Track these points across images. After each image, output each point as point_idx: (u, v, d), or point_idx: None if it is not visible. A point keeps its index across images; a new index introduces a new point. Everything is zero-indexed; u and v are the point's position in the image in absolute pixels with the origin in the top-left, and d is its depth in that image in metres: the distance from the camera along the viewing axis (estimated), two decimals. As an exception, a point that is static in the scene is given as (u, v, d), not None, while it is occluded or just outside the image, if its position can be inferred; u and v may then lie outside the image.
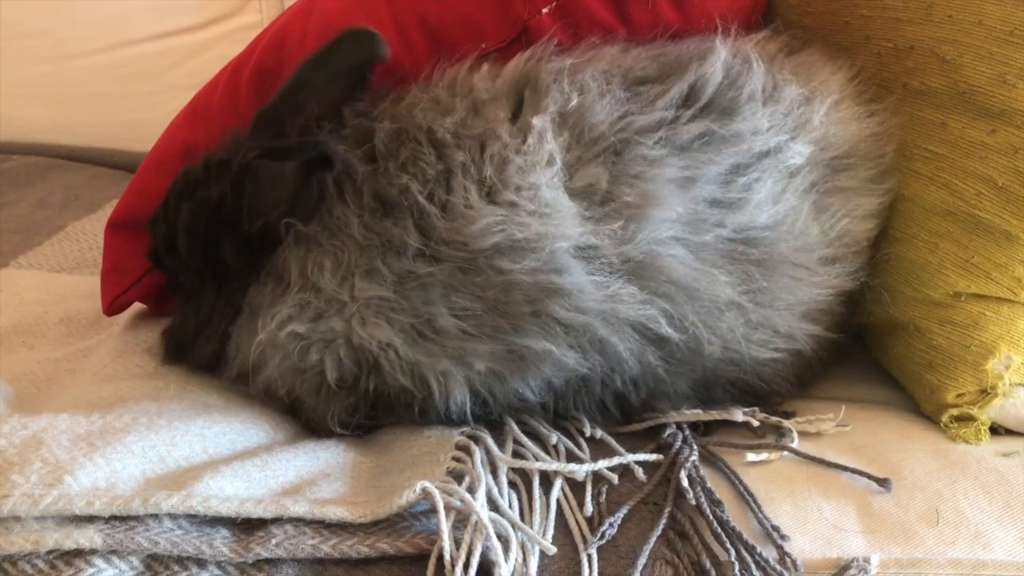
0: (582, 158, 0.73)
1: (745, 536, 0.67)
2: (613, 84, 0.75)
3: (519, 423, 0.78)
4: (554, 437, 0.76)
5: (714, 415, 0.79)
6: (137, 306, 0.98)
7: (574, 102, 0.74)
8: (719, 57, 0.77)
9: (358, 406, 0.78)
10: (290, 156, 0.73)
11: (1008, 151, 0.76)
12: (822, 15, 0.96)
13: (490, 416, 0.77)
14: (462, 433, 0.76)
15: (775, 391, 0.81)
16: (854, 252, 0.81)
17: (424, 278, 0.72)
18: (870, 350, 0.88)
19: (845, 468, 0.74)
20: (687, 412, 0.79)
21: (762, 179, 0.74)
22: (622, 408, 0.79)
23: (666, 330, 0.73)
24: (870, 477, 0.72)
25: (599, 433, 0.77)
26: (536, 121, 0.73)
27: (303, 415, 0.80)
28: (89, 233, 1.26)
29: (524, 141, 0.73)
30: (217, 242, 0.77)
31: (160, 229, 0.81)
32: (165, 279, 0.87)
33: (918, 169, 0.82)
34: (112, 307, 0.93)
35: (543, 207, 0.71)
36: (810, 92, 0.79)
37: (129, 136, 1.56)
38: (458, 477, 0.70)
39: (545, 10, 0.81)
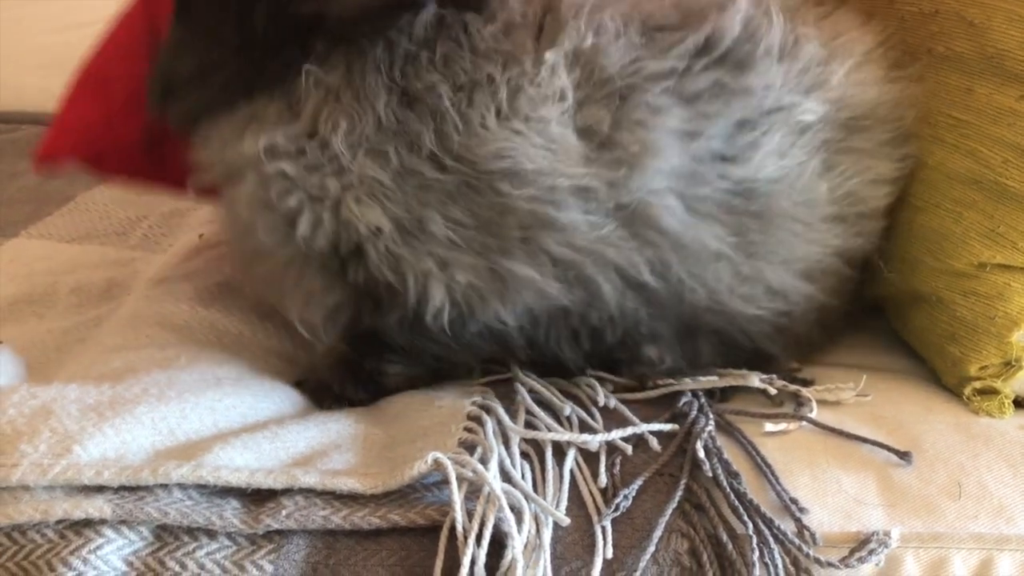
0: (589, 97, 0.72)
1: (763, 509, 0.66)
2: (631, 28, 0.73)
3: (531, 392, 0.77)
4: (567, 408, 0.75)
5: (730, 381, 0.78)
6: (148, 278, 0.97)
7: (589, 41, 0.72)
8: (739, 9, 0.75)
9: (345, 306, 0.76)
10: None
11: (1037, 117, 0.74)
12: (844, -23, 0.94)
13: (468, 333, 0.76)
14: (473, 403, 0.75)
15: (762, 350, 0.80)
16: (860, 214, 0.79)
17: (429, 181, 0.71)
18: (889, 321, 0.86)
19: (865, 440, 0.72)
20: (702, 379, 0.78)
21: (769, 133, 0.73)
22: (595, 343, 0.78)
23: (647, 277, 0.73)
24: (891, 449, 0.71)
25: (612, 402, 0.76)
26: (549, 55, 0.71)
27: (268, 289, 0.78)
28: (99, 203, 1.25)
29: (538, 73, 0.71)
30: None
31: None
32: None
33: (942, 136, 0.79)
34: (45, 159, 0.91)
35: (551, 142, 0.70)
36: (831, 51, 0.77)
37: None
38: (470, 448, 0.69)
39: None
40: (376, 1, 0.71)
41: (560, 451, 0.71)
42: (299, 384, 0.82)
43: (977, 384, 0.77)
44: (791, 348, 0.81)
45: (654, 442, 0.72)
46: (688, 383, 0.78)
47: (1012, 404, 0.76)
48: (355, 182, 0.71)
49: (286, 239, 0.74)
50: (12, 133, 1.49)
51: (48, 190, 1.33)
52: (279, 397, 0.79)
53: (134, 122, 0.87)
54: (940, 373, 0.81)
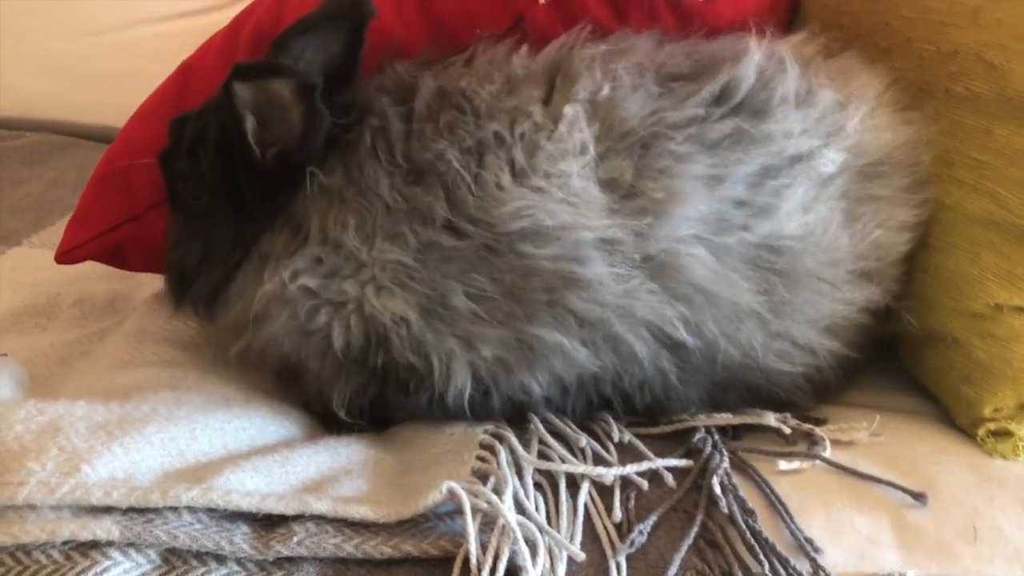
0: (611, 149, 0.72)
1: (778, 548, 0.65)
2: (646, 78, 0.74)
3: (544, 422, 0.77)
4: (582, 439, 0.74)
5: (745, 419, 0.78)
6: (153, 290, 0.97)
7: (605, 92, 0.72)
8: (753, 59, 0.75)
9: (367, 386, 0.75)
10: (270, 74, 0.70)
11: (1057, 161, 0.74)
12: (860, 15, 0.94)
13: (491, 408, 0.75)
14: (486, 431, 0.74)
15: (792, 401, 0.79)
16: (887, 265, 0.79)
17: (448, 251, 0.70)
18: (902, 360, 0.86)
19: (879, 480, 0.72)
20: (716, 416, 0.78)
21: (793, 186, 0.73)
22: (625, 410, 0.77)
23: (682, 335, 0.72)
24: (905, 490, 0.71)
25: (627, 437, 0.75)
26: (568, 109, 0.72)
27: (309, 391, 0.78)
28: (103, 213, 1.24)
29: (555, 128, 0.71)
30: (235, 170, 0.74)
31: (183, 133, 0.77)
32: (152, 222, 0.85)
33: (961, 177, 0.79)
34: (66, 256, 0.92)
35: (572, 196, 0.70)
36: (845, 98, 0.77)
37: (142, 115, 1.55)
38: (483, 477, 0.69)
39: (542, 1, 0.80)
40: (288, 117, 0.71)
41: (574, 483, 0.71)
42: (307, 404, 0.81)
43: (991, 426, 0.77)
44: (815, 395, 0.81)
45: (669, 478, 0.71)
46: (702, 419, 0.77)
47: (1026, 447, 0.76)
48: (376, 273, 0.71)
49: (325, 355, 0.74)
50: (16, 140, 1.48)
51: (51, 198, 1.32)
52: (288, 418, 0.78)
53: (157, 219, 0.87)
54: (954, 414, 0.80)
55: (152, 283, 1.03)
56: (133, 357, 0.83)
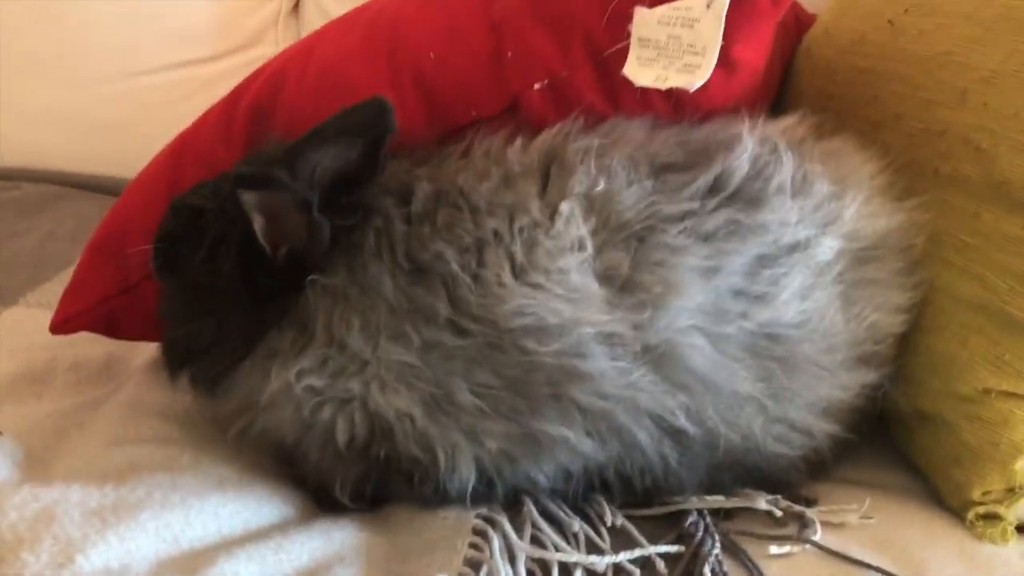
0: (607, 242, 0.72)
1: (768, 639, 0.66)
2: (640, 171, 0.75)
3: (536, 503, 0.77)
4: (575, 524, 0.75)
5: (736, 502, 0.78)
6: (149, 359, 0.97)
7: (601, 186, 0.73)
8: (746, 148, 0.76)
9: (369, 475, 0.76)
10: (267, 187, 0.71)
11: (1043, 249, 0.75)
12: (850, 85, 0.95)
13: (493, 497, 0.76)
14: (479, 516, 0.75)
15: (787, 482, 0.80)
16: (884, 347, 0.80)
17: (452, 350, 0.71)
18: (893, 438, 0.87)
19: (870, 566, 0.72)
20: (709, 499, 0.78)
21: (791, 274, 0.74)
22: (624, 494, 0.78)
23: (683, 422, 0.72)
24: (895, 578, 0.71)
25: (619, 520, 0.76)
26: (564, 206, 0.72)
27: (309, 479, 0.78)
28: (99, 269, 1.25)
29: (552, 224, 0.72)
30: (251, 264, 0.74)
31: (186, 219, 0.77)
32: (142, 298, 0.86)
33: (950, 259, 0.80)
34: (61, 327, 0.93)
35: (572, 292, 0.71)
36: (841, 186, 0.78)
37: (141, 165, 1.55)
38: (476, 566, 0.69)
39: (536, 86, 0.80)
40: (291, 224, 0.72)
41: (566, 570, 0.71)
42: (303, 481, 0.81)
43: (980, 509, 0.77)
44: (810, 475, 0.81)
45: (661, 565, 0.72)
46: (695, 502, 0.78)
47: (1015, 531, 0.76)
48: (381, 371, 0.71)
49: (326, 447, 0.74)
50: (12, 191, 1.48)
51: (48, 252, 1.32)
52: (281, 499, 0.78)
53: (150, 290, 0.87)
54: (943, 495, 0.81)
55: (147, 348, 1.04)
56: (128, 433, 0.83)
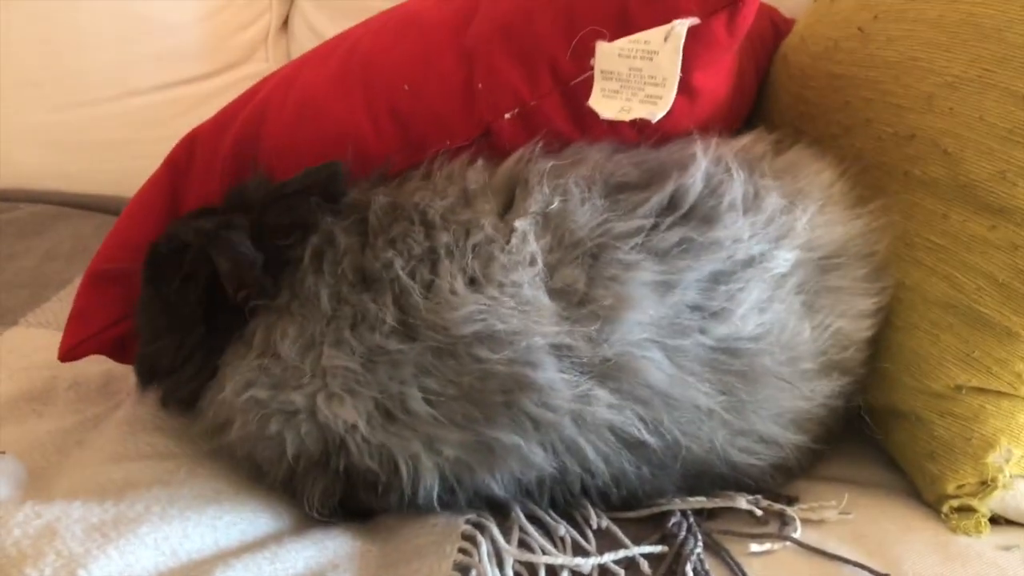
0: (562, 260, 0.75)
1: (749, 634, 0.68)
2: (594, 191, 0.77)
3: (523, 508, 0.79)
4: (561, 528, 0.77)
5: (718, 503, 0.80)
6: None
7: (555, 205, 0.76)
8: (699, 167, 0.78)
9: (333, 487, 0.78)
10: (233, 252, 0.76)
11: (1008, 248, 0.77)
12: (823, 91, 0.97)
13: (458, 505, 0.78)
14: (468, 521, 0.77)
15: (763, 488, 0.82)
16: (852, 352, 0.81)
17: (395, 355, 0.73)
18: (872, 432, 0.89)
19: (847, 561, 0.74)
20: (691, 500, 0.80)
21: (747, 288, 0.75)
22: (604, 504, 0.80)
23: (643, 435, 0.74)
24: (871, 571, 0.73)
25: (604, 523, 0.78)
26: (519, 224, 0.75)
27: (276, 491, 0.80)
28: (97, 288, 1.27)
29: (509, 240, 0.75)
30: (214, 302, 0.79)
31: (176, 247, 0.82)
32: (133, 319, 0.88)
33: (920, 259, 0.83)
34: (69, 353, 0.95)
35: (524, 304, 0.73)
36: (792, 200, 0.80)
37: (136, 184, 1.55)
38: (464, 570, 0.71)
39: (507, 115, 0.83)
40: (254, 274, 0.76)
41: (553, 573, 0.73)
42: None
43: (954, 502, 0.79)
44: (785, 479, 0.84)
45: (645, 565, 0.74)
46: (677, 503, 0.80)
47: (988, 523, 0.79)
48: (327, 381, 0.74)
49: (280, 462, 0.77)
50: (11, 212, 1.50)
51: (47, 272, 1.34)
52: (276, 509, 0.80)
53: None
54: (919, 488, 0.83)
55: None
56: (127, 449, 0.85)
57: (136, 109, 1.58)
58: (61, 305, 1.24)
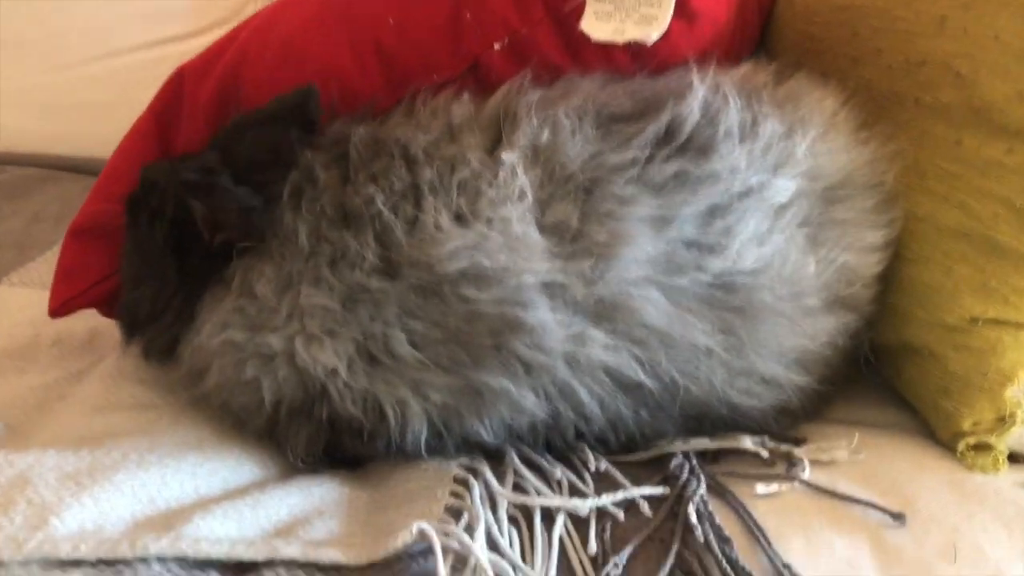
0: (554, 195, 0.71)
1: (755, 575, 0.65)
2: (585, 121, 0.73)
3: (518, 453, 0.76)
4: (557, 471, 0.73)
5: (721, 443, 0.77)
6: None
7: (545, 137, 0.72)
8: (696, 95, 0.74)
9: (318, 436, 0.74)
10: (211, 195, 0.72)
11: (1026, 171, 0.73)
12: (829, 25, 0.93)
13: (446, 451, 0.74)
14: (460, 465, 0.74)
15: (767, 431, 0.78)
16: (860, 288, 0.77)
17: (376, 294, 0.70)
18: (882, 373, 0.85)
19: (858, 501, 0.71)
20: (693, 441, 0.77)
21: (744, 219, 0.72)
22: (604, 450, 0.76)
23: (640, 376, 0.71)
24: (884, 511, 0.70)
25: (603, 465, 0.75)
26: (506, 156, 0.71)
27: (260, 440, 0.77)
28: (83, 248, 1.24)
29: (496, 175, 0.71)
30: (184, 241, 0.75)
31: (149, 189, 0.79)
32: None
33: (932, 188, 0.79)
34: (60, 310, 0.92)
35: (513, 240, 0.69)
36: (791, 125, 0.76)
37: (124, 146, 1.55)
38: (456, 514, 0.68)
39: (496, 46, 0.79)
40: (234, 217, 0.72)
41: (549, 516, 0.70)
42: None
43: (970, 440, 0.76)
44: (791, 423, 0.80)
45: (645, 507, 0.71)
46: (679, 445, 0.76)
47: (1006, 460, 0.75)
48: (305, 322, 0.70)
49: (260, 408, 0.74)
50: (-2, 176, 1.48)
51: (33, 233, 1.32)
52: (261, 458, 0.77)
53: None
54: (933, 427, 0.80)
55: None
56: (108, 401, 0.83)
57: (123, 68, 1.55)
58: (47, 266, 1.21)
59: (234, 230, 0.73)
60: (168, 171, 0.77)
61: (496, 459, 0.75)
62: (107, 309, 0.94)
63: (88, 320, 1.04)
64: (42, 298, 1.11)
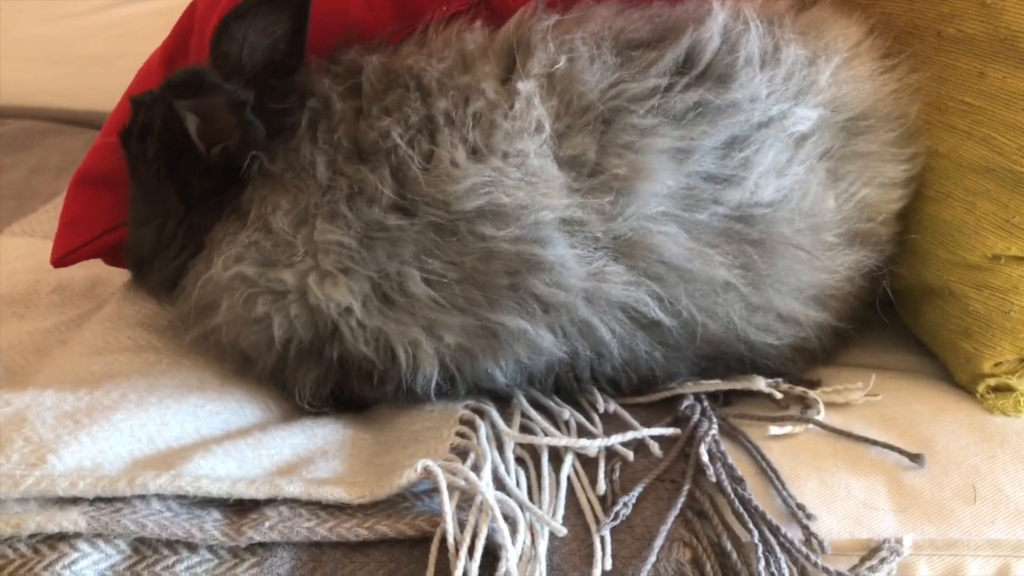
0: (571, 127, 0.68)
1: (768, 516, 0.63)
2: (603, 48, 0.70)
3: (525, 395, 0.74)
4: (565, 412, 0.72)
5: (734, 384, 0.75)
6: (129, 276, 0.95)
7: (562, 65, 0.69)
8: (717, 20, 0.71)
9: (326, 377, 0.73)
10: (200, 94, 0.68)
11: (1054, 102, 0.71)
12: (849, -41, 0.90)
13: (456, 394, 0.73)
14: (467, 407, 0.72)
15: (783, 371, 0.76)
16: (879, 224, 0.75)
17: (394, 231, 0.67)
18: (900, 315, 0.83)
19: (875, 442, 0.69)
20: (705, 383, 0.75)
21: (762, 150, 0.69)
22: (614, 391, 0.75)
23: (657, 314, 0.69)
24: (902, 452, 0.68)
25: (612, 407, 0.73)
26: (522, 86, 0.68)
27: (265, 382, 0.75)
28: (85, 199, 1.23)
29: (512, 106, 0.68)
30: (183, 164, 0.73)
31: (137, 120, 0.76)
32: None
33: (954, 123, 0.76)
34: (64, 260, 0.90)
35: (530, 175, 0.67)
36: (814, 52, 0.73)
37: (126, 99, 1.53)
38: (462, 453, 0.67)
39: None
40: (226, 123, 0.69)
41: (557, 457, 0.68)
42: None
43: (991, 381, 0.74)
44: (807, 363, 0.78)
45: (655, 447, 0.69)
46: (690, 387, 0.75)
47: (1028, 402, 0.73)
48: (320, 259, 0.68)
49: (270, 347, 0.71)
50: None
51: (34, 185, 1.30)
52: (264, 400, 0.75)
53: None
54: (953, 370, 0.78)
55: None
56: (108, 343, 0.81)
57: (123, 20, 1.52)
58: (48, 216, 1.20)
59: (229, 135, 0.70)
60: (155, 91, 0.74)
61: (503, 401, 0.73)
62: (112, 259, 0.92)
63: (90, 268, 1.03)
64: (43, 247, 1.10)
